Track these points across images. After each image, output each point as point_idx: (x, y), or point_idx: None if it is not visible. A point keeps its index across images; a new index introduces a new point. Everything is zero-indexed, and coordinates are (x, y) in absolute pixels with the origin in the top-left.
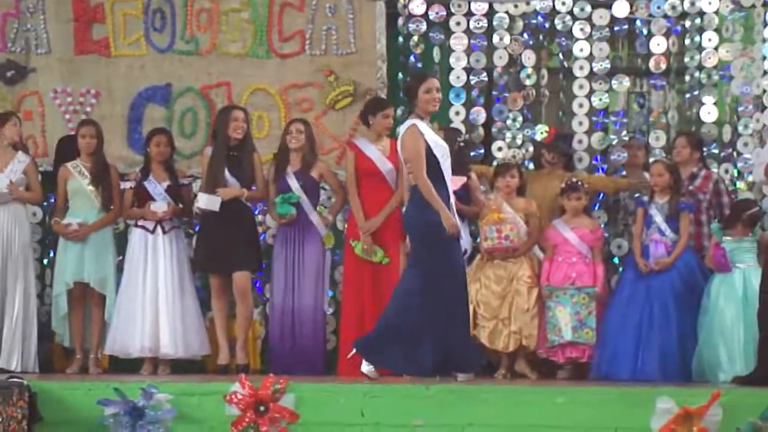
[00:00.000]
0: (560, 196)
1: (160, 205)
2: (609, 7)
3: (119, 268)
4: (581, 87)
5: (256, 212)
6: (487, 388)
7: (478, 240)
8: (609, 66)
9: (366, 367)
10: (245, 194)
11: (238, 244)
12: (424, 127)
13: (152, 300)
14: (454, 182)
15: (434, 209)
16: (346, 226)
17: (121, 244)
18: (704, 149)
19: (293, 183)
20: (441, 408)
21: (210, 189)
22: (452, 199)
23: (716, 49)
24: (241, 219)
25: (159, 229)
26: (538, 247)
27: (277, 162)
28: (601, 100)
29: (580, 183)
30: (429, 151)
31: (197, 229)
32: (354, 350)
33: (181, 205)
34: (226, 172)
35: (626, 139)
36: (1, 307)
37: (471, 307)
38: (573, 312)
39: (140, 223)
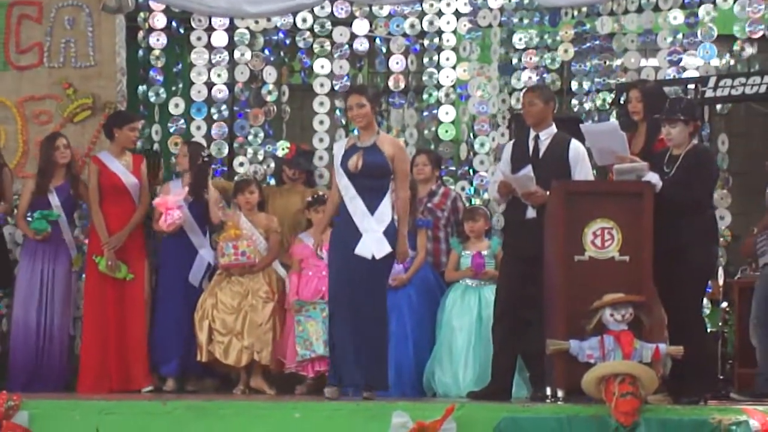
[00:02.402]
0: (306, 209)
1: None
2: (349, 24)
3: None
4: (322, 104)
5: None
6: (224, 403)
7: None
8: (349, 83)
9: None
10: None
11: None
12: (339, 147)
13: None
14: (178, 194)
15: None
16: (87, 241)
17: None
18: (442, 167)
19: (54, 200)
20: (178, 424)
21: None
22: (363, 218)
23: (454, 68)
24: None
25: None
26: (279, 263)
27: (41, 176)
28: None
29: (323, 196)
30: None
31: None
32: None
33: None
34: None
35: None
36: None
37: (206, 323)
38: (324, 326)
39: None
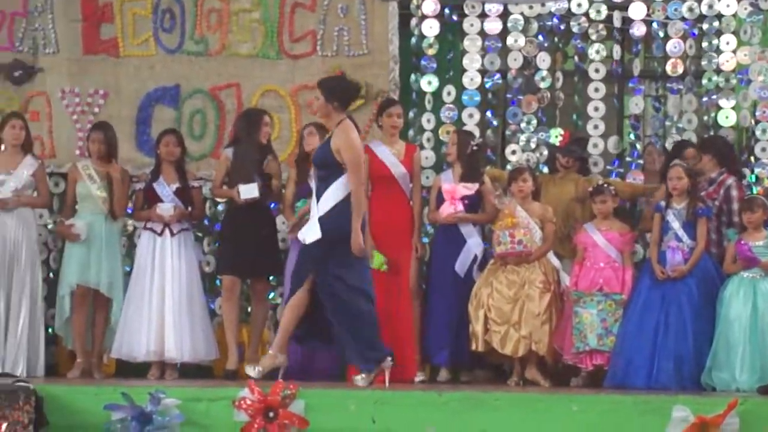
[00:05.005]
0: (590, 199)
1: (167, 208)
2: (625, 9)
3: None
4: (597, 90)
5: None
6: (500, 395)
7: (488, 245)
8: (620, 69)
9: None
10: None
11: (264, 249)
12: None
13: (159, 303)
14: (468, 188)
15: None
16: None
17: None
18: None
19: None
20: (453, 415)
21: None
22: (313, 205)
23: (734, 52)
24: (266, 224)
25: (167, 232)
26: (553, 253)
27: (299, 165)
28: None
29: (605, 185)
30: None
31: (219, 230)
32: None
33: (190, 208)
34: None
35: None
36: (6, 311)
37: (482, 312)
38: (599, 319)
39: (149, 225)
